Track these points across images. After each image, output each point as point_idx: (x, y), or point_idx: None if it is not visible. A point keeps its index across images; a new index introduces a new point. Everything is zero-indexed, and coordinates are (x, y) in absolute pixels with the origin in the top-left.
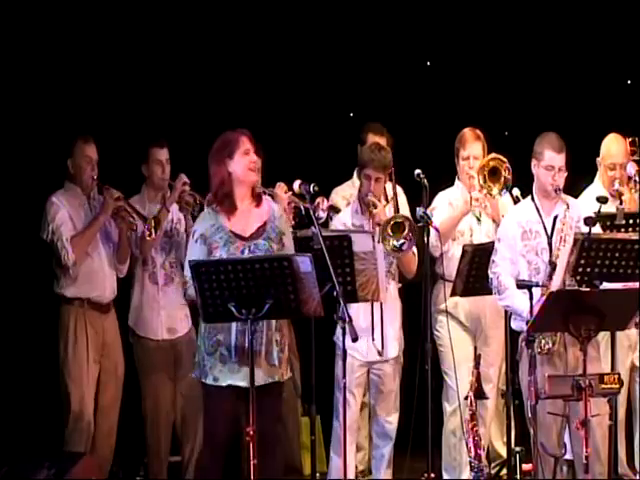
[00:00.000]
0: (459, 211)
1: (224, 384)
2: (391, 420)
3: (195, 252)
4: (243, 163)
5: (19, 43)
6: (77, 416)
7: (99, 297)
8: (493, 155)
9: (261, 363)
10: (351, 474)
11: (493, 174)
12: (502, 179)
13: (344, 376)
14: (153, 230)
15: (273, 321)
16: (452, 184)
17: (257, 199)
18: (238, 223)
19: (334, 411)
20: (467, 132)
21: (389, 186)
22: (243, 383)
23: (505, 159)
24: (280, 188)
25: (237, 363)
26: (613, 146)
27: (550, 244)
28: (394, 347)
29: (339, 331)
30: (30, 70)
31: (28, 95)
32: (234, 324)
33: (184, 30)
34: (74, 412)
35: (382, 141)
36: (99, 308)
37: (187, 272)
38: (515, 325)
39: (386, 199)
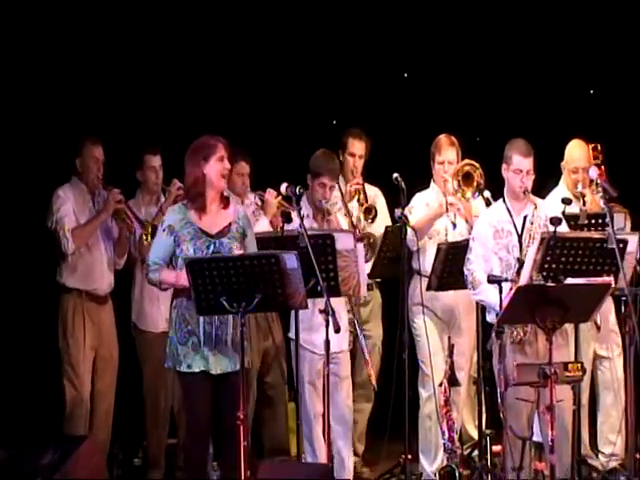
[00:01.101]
0: (434, 213)
1: (197, 370)
2: (349, 403)
3: (161, 241)
4: (217, 169)
5: (35, 60)
6: (74, 399)
7: (96, 290)
8: (467, 161)
9: (230, 352)
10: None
11: (467, 178)
12: (475, 183)
13: (328, 363)
14: (149, 236)
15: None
16: (428, 186)
17: (225, 202)
18: (206, 221)
19: (302, 404)
20: (442, 138)
21: (371, 190)
22: (213, 371)
23: (477, 164)
24: (270, 194)
25: (207, 351)
26: (576, 151)
27: (520, 242)
28: (346, 338)
29: (300, 330)
30: (40, 79)
31: (39, 101)
32: (201, 317)
33: (178, 44)
34: (71, 395)
35: (361, 144)
36: (96, 300)
37: (151, 257)
38: (489, 318)
39: (365, 200)
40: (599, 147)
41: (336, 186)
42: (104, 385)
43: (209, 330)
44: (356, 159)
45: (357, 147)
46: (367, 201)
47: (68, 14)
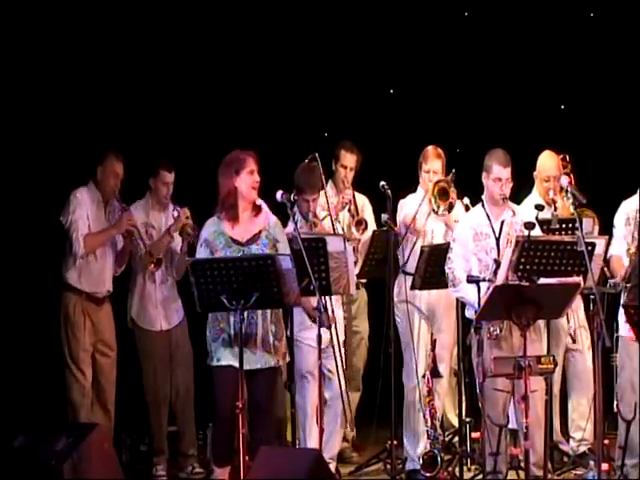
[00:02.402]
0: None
1: (225, 363)
2: (342, 381)
3: (201, 255)
4: (247, 181)
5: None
6: (76, 390)
7: (96, 292)
8: (442, 178)
9: (258, 349)
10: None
11: (442, 194)
12: (449, 200)
13: (319, 357)
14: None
15: (269, 314)
16: (413, 192)
17: (257, 210)
18: (238, 230)
19: (299, 394)
20: (430, 149)
21: (359, 199)
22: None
23: (451, 182)
24: None
25: (236, 348)
26: (548, 161)
27: (498, 244)
28: (341, 329)
29: (296, 327)
30: (65, 91)
31: (59, 105)
32: (232, 316)
33: (178, 66)
34: (73, 386)
35: (352, 157)
36: (95, 300)
37: None
38: (468, 314)
39: (356, 210)
40: (568, 158)
41: (321, 194)
42: (105, 378)
43: (238, 329)
44: (347, 171)
45: (349, 159)
46: (357, 210)
47: (91, 33)
